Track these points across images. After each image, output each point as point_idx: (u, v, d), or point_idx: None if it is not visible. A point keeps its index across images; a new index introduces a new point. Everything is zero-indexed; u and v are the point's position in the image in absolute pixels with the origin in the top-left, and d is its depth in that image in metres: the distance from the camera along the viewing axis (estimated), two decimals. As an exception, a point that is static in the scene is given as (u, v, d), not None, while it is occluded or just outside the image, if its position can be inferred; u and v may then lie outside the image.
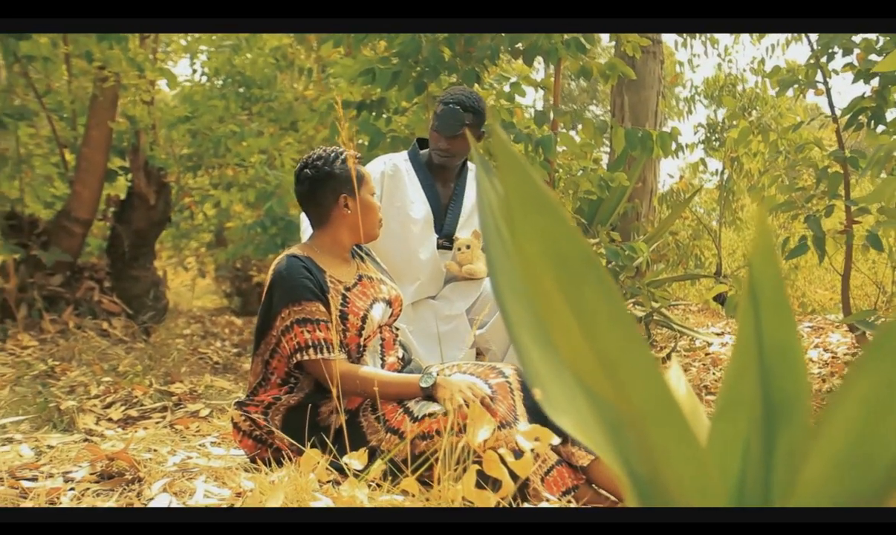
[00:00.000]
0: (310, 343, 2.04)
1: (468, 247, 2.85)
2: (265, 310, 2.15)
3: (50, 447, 2.23)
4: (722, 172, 8.27)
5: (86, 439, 2.39)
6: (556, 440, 1.52)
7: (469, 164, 3.01)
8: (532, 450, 1.56)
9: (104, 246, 4.70)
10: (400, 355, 2.26)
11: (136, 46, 4.13)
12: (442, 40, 4.08)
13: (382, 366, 2.19)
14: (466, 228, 2.95)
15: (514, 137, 3.92)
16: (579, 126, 4.63)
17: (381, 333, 2.22)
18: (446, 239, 2.95)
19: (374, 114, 4.31)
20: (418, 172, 2.96)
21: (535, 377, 0.89)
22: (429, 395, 1.97)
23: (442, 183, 2.97)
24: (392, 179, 2.90)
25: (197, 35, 6.34)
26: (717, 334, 5.03)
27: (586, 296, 0.79)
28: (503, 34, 3.93)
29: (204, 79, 6.69)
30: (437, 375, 1.99)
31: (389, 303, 2.26)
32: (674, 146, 4.00)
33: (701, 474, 0.81)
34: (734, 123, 5.79)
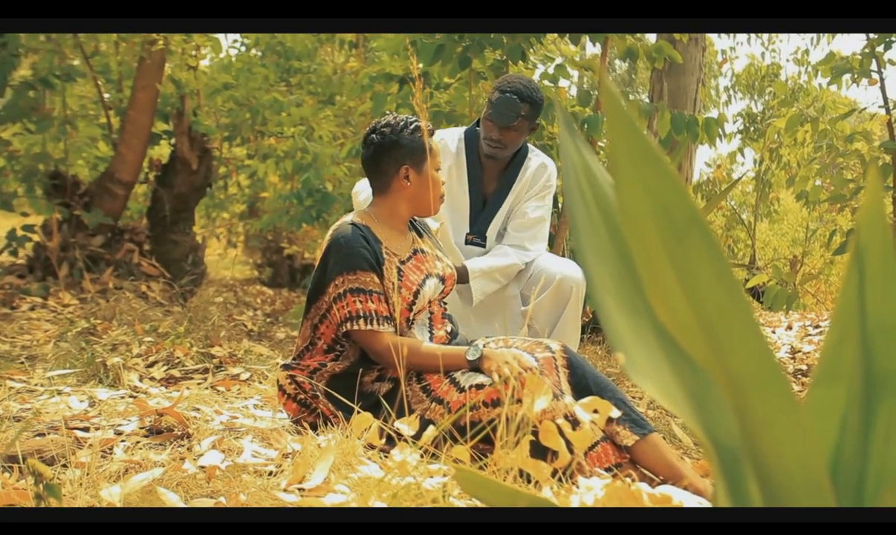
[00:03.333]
0: (361, 313, 2.03)
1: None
2: (319, 274, 2.15)
3: (99, 400, 2.25)
4: (760, 163, 8.18)
5: (132, 396, 2.41)
6: (616, 413, 1.50)
7: (527, 157, 2.91)
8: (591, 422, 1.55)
9: (145, 209, 4.73)
10: (448, 330, 2.25)
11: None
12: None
13: (431, 339, 2.18)
14: (496, 226, 2.88)
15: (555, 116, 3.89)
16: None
17: (430, 307, 2.21)
18: (477, 235, 2.91)
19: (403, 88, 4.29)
20: (469, 156, 2.88)
21: (618, 341, 0.88)
22: (475, 367, 1.97)
23: (489, 175, 2.89)
24: (441, 152, 2.79)
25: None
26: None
27: (690, 252, 0.78)
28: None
29: (244, 49, 6.71)
30: (483, 348, 1.98)
31: (443, 279, 2.24)
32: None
33: (801, 442, 0.79)
34: (780, 112, 5.71)
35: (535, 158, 2.89)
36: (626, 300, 0.90)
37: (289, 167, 5.73)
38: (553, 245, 4.25)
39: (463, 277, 2.72)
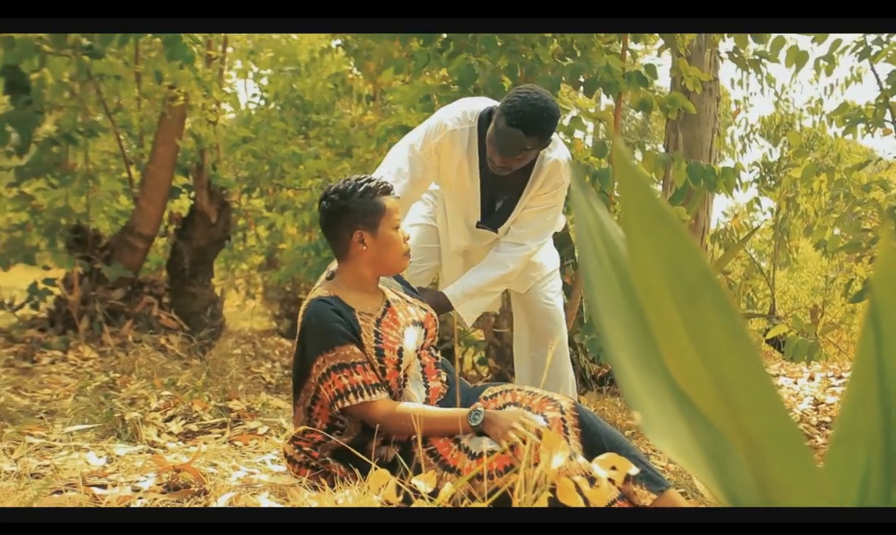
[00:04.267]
0: (349, 388, 2.00)
1: None
2: (299, 358, 2.13)
3: (117, 456, 2.26)
4: (777, 212, 8.17)
5: (150, 451, 2.41)
6: (634, 470, 1.49)
7: (542, 155, 2.66)
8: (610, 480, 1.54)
9: (164, 262, 4.77)
10: (444, 378, 2.20)
11: (204, 67, 4.21)
12: (502, 69, 4.10)
13: (427, 392, 2.14)
14: (510, 222, 2.77)
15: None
16: (639, 159, 4.61)
17: (420, 358, 2.17)
18: (489, 227, 2.78)
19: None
20: (481, 151, 2.63)
21: (634, 399, 0.87)
22: (479, 431, 1.92)
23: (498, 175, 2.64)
24: (450, 155, 2.65)
25: (258, 58, 6.46)
26: (773, 377, 4.94)
27: (703, 313, 0.78)
28: (564, 65, 3.94)
29: (263, 103, 6.81)
30: (485, 411, 1.93)
31: (421, 324, 2.21)
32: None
33: (820, 504, 0.78)
34: (796, 162, 5.72)
35: (551, 154, 2.66)
36: (640, 358, 0.90)
37: (307, 219, 5.78)
38: (570, 297, 4.24)
39: (445, 305, 2.64)
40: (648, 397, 0.88)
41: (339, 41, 6.32)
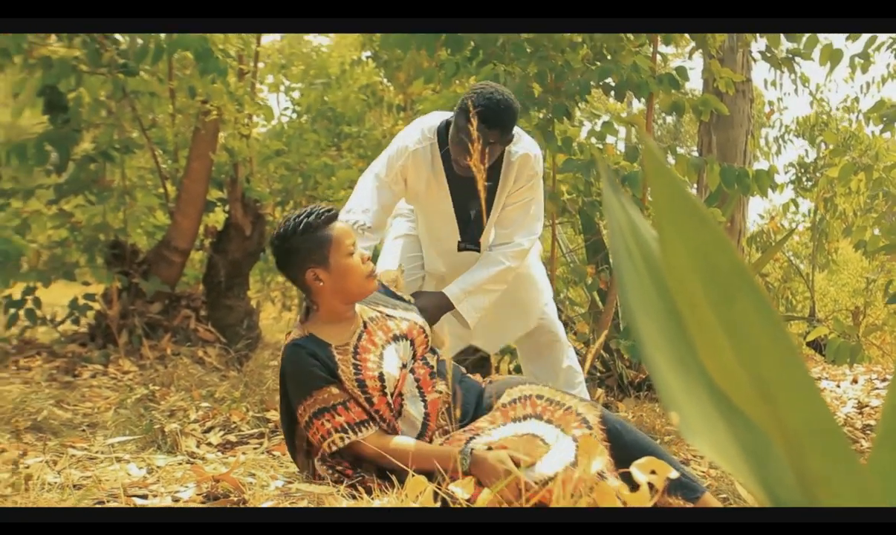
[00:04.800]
0: (332, 430, 1.98)
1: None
2: (284, 406, 2.12)
3: (157, 467, 2.28)
4: (815, 213, 8.05)
5: (189, 461, 2.43)
6: (674, 474, 1.47)
7: (507, 151, 2.61)
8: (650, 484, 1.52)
9: (200, 275, 4.83)
10: (441, 388, 2.13)
11: (236, 82, 4.26)
12: (532, 76, 4.09)
13: (425, 406, 2.08)
14: (489, 229, 2.77)
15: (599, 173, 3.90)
16: (672, 162, 4.58)
17: (413, 372, 2.11)
18: (470, 242, 2.77)
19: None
20: (445, 161, 2.61)
21: (671, 400, 0.86)
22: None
23: (468, 181, 2.54)
24: (416, 175, 2.64)
25: (289, 72, 6.53)
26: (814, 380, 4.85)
27: (739, 310, 0.77)
28: (593, 69, 3.92)
29: (295, 116, 6.88)
30: (472, 453, 1.86)
31: (404, 337, 2.13)
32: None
33: (863, 501, 0.77)
34: (833, 161, 5.64)
35: (517, 148, 2.62)
36: (676, 358, 0.89)
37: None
38: (605, 302, 4.22)
39: (446, 305, 2.60)
40: (685, 397, 0.87)
41: (369, 53, 6.37)
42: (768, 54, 4.70)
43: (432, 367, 2.17)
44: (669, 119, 16.25)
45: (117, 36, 4.34)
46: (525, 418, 1.98)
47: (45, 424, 2.76)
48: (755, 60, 6.70)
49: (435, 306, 2.55)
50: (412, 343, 2.15)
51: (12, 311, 4.27)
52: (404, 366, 2.10)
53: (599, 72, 3.85)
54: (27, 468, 2.08)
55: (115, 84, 4.15)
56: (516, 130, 2.62)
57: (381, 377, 2.03)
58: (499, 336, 3.04)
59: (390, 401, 2.05)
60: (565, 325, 4.62)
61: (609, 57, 4.07)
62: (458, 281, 2.67)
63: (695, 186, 5.21)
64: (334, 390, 2.00)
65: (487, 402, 2.12)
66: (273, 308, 9.13)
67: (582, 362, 3.13)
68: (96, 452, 2.48)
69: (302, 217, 2.06)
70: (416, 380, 2.11)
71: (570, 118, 4.32)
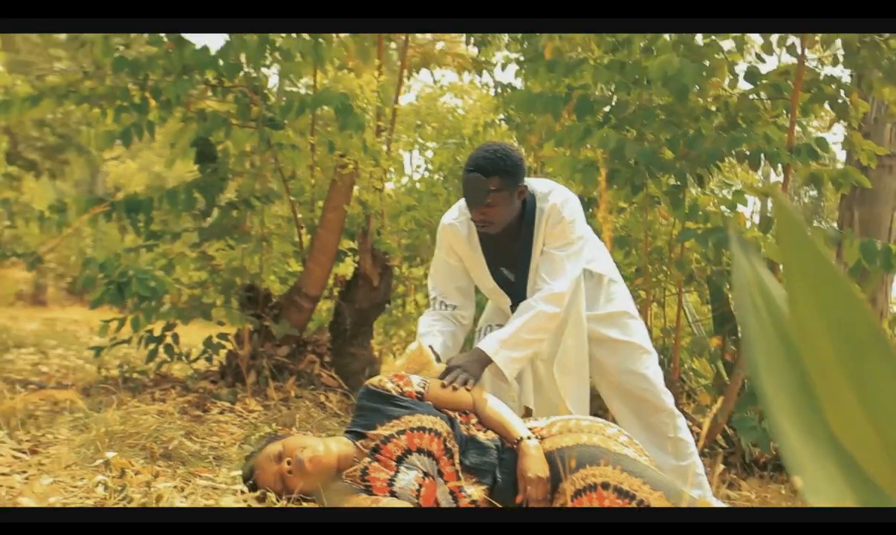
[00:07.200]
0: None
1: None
2: None
3: (274, 503, 2.35)
4: (966, 297, 7.57)
5: (303, 500, 2.49)
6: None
7: (536, 206, 2.72)
8: None
9: (327, 322, 4.97)
10: (469, 492, 2.10)
11: (373, 137, 4.42)
12: (663, 141, 4.07)
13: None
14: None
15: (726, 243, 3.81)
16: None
17: (445, 482, 2.10)
18: (521, 299, 2.77)
19: (590, 211, 4.34)
20: (479, 235, 2.77)
21: (794, 463, 0.84)
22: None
23: (504, 241, 2.74)
24: (460, 246, 2.84)
25: (424, 132, 6.70)
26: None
27: (870, 371, 0.75)
28: (725, 136, 3.86)
29: (427, 174, 7.04)
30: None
31: (419, 450, 2.14)
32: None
33: None
34: None
35: (545, 202, 2.70)
36: (803, 421, 0.87)
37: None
38: (732, 375, 4.08)
39: (483, 359, 2.57)
40: (811, 462, 0.85)
41: (502, 116, 6.47)
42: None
43: (457, 469, 2.14)
44: (807, 194, 15.71)
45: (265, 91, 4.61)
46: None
47: (175, 452, 2.89)
48: (904, 135, 6.42)
49: (471, 361, 2.53)
50: (430, 455, 2.14)
51: (152, 346, 4.51)
52: (426, 475, 2.11)
53: (731, 140, 3.79)
54: (158, 490, 2.18)
55: (260, 137, 4.39)
56: (548, 184, 2.76)
57: (393, 495, 2.09)
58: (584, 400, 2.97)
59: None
60: (688, 396, 4.50)
61: (743, 126, 4.01)
62: (494, 334, 2.67)
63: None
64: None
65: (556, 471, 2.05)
66: (393, 361, 9.28)
67: (705, 438, 3.03)
68: (220, 482, 2.58)
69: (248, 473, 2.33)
70: (451, 493, 2.11)
71: (702, 186, 4.27)
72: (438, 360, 2.60)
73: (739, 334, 4.12)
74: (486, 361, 2.58)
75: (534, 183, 2.79)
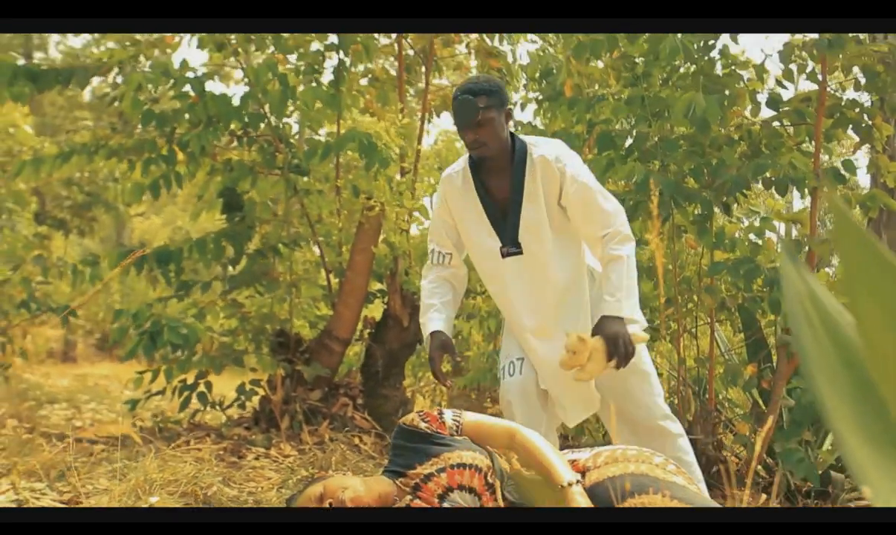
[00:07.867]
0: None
1: (574, 352, 2.52)
2: None
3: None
4: None
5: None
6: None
7: (527, 154, 2.81)
8: None
9: (358, 365, 4.98)
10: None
11: (398, 179, 4.46)
12: (687, 171, 4.07)
13: None
14: (532, 231, 2.78)
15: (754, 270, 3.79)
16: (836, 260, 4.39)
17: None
18: (510, 244, 2.81)
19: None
20: (474, 178, 2.86)
21: (860, 473, 0.84)
22: None
23: (496, 185, 2.83)
24: (454, 198, 2.90)
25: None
26: None
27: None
28: (749, 164, 3.85)
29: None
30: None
31: (461, 487, 2.09)
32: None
33: None
34: None
35: (537, 151, 2.80)
36: (866, 430, 0.86)
37: (492, 326, 5.87)
38: (769, 403, 4.04)
39: (619, 330, 2.59)
40: (876, 469, 0.84)
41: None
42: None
43: (499, 505, 2.10)
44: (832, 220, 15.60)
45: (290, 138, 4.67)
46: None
47: (213, 498, 2.89)
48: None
49: (611, 334, 2.57)
50: (472, 491, 2.10)
51: (186, 394, 4.53)
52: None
53: (756, 167, 3.79)
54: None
55: (286, 183, 4.45)
56: (538, 137, 2.91)
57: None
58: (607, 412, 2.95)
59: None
60: (725, 426, 4.45)
61: (767, 153, 4.01)
62: (604, 296, 2.68)
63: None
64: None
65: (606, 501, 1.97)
66: (423, 402, 9.26)
67: (745, 468, 2.99)
68: (262, 526, 2.58)
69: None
70: None
71: (728, 213, 4.26)
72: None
73: (775, 364, 4.09)
74: (622, 326, 2.62)
75: (531, 137, 2.93)
